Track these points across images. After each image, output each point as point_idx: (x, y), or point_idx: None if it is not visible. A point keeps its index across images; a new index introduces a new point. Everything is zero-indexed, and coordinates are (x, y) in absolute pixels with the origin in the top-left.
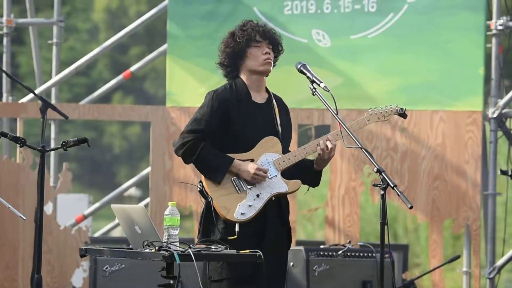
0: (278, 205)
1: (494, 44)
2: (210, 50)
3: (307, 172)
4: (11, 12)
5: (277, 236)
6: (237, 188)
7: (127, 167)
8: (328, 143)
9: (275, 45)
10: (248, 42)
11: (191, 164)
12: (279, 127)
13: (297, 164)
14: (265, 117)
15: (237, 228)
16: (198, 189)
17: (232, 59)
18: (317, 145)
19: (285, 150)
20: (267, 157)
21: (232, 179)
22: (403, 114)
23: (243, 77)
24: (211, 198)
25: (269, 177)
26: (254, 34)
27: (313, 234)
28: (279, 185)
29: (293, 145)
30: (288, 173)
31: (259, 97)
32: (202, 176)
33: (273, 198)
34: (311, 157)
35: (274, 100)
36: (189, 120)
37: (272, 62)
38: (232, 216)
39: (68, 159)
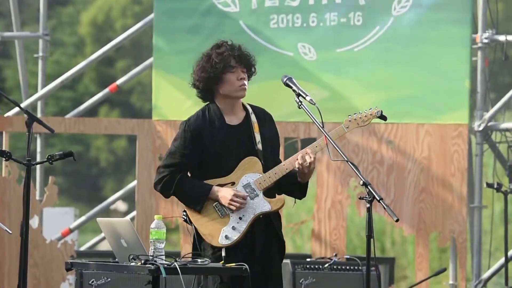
0: (270, 225)
1: (480, 57)
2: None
3: (293, 185)
4: None
5: (269, 256)
6: (219, 213)
7: (113, 180)
8: (307, 157)
9: (249, 69)
10: (223, 68)
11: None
12: (259, 145)
13: (282, 178)
14: (241, 138)
15: (223, 253)
16: (183, 219)
17: (207, 83)
18: (296, 159)
19: (273, 162)
20: (247, 178)
21: (214, 205)
22: (382, 117)
23: (217, 100)
24: (195, 226)
25: (251, 198)
26: (229, 59)
27: (302, 247)
28: (262, 205)
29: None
30: (274, 187)
31: (234, 119)
32: None
33: (261, 216)
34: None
35: (253, 116)
36: (167, 150)
37: (246, 87)
38: (217, 242)
39: (54, 172)
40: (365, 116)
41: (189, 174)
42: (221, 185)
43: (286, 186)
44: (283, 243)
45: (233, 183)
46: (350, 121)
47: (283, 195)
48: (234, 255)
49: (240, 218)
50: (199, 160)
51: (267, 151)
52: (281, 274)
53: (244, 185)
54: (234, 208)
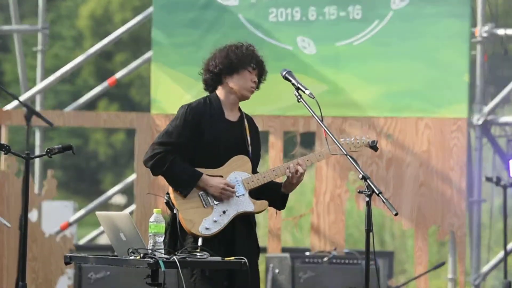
0: (247, 223)
1: (479, 51)
2: (194, 58)
3: (275, 194)
4: None
5: (247, 251)
6: (204, 203)
7: (112, 174)
8: (298, 167)
9: (259, 80)
10: (247, 63)
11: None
12: (250, 147)
13: (265, 186)
14: (237, 135)
15: (200, 243)
16: (165, 201)
17: (224, 69)
18: (287, 168)
19: (254, 170)
20: (236, 175)
21: (199, 193)
22: (374, 147)
23: (219, 93)
24: (178, 210)
25: (237, 195)
26: (253, 60)
27: (301, 241)
28: (246, 204)
29: (278, 153)
30: (256, 193)
31: (231, 115)
32: (170, 188)
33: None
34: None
35: (245, 119)
36: (162, 130)
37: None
38: (196, 230)
39: (53, 166)
40: (358, 143)
41: None
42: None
43: (267, 195)
44: (257, 242)
45: (221, 177)
46: (342, 144)
47: (266, 201)
48: (212, 247)
49: (224, 212)
50: (194, 145)
51: (253, 155)
52: (258, 272)
53: (232, 182)
54: (224, 197)
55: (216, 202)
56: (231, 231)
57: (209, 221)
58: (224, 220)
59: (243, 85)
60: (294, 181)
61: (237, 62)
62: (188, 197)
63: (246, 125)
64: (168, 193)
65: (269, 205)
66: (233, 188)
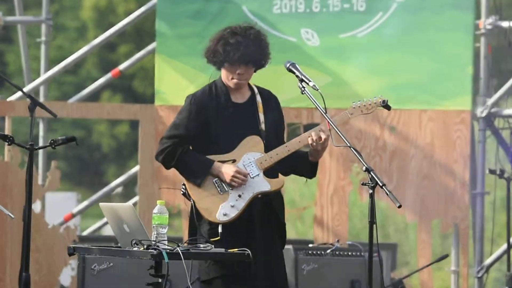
0: (268, 206)
1: (483, 43)
2: (198, 49)
3: (303, 164)
4: None
5: (267, 236)
6: (218, 189)
7: (115, 165)
8: (321, 133)
9: (256, 65)
10: (224, 61)
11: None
12: (262, 125)
13: (292, 157)
14: (246, 117)
15: (220, 230)
16: (182, 192)
17: (212, 62)
18: (309, 137)
19: (277, 143)
20: (249, 156)
21: (214, 180)
22: (386, 106)
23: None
24: (193, 200)
25: (251, 176)
26: (233, 54)
27: (304, 233)
28: (261, 184)
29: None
30: (282, 167)
31: (240, 97)
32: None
33: (259, 196)
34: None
35: (259, 96)
36: (171, 122)
37: (243, 82)
38: (214, 217)
39: (57, 157)
40: (369, 104)
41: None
42: (222, 162)
43: (296, 166)
44: (283, 225)
45: (234, 161)
46: (354, 108)
47: (283, 177)
48: (231, 233)
49: (240, 196)
50: (202, 135)
51: (270, 132)
52: (282, 255)
53: (245, 164)
54: (235, 184)
55: (231, 187)
56: (248, 218)
57: (226, 207)
58: (241, 204)
59: (226, 79)
60: (318, 147)
61: (218, 59)
62: (203, 185)
63: (258, 102)
64: (184, 184)
65: (300, 175)
66: (245, 174)
